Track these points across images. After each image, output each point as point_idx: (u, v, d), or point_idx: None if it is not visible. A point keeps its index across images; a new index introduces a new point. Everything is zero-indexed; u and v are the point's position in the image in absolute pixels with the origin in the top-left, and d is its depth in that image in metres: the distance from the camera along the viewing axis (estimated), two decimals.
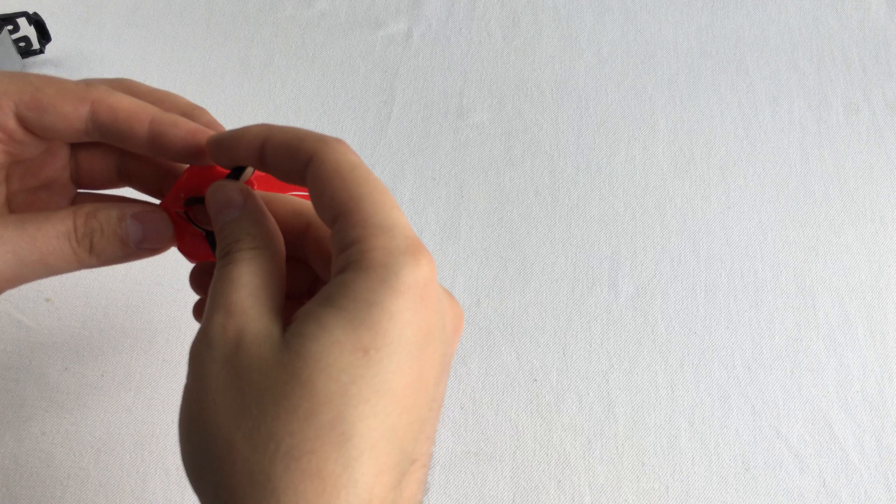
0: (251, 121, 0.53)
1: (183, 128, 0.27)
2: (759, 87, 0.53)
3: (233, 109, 0.50)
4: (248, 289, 0.22)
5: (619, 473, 0.39)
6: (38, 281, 0.39)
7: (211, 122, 0.29)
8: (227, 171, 0.27)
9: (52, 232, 0.25)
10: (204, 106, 0.46)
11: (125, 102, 0.26)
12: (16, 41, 0.48)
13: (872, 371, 0.42)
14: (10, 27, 0.48)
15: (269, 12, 0.55)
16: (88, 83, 0.26)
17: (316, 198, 0.23)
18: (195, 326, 0.43)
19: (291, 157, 0.23)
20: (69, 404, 0.38)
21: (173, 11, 0.54)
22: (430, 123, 0.50)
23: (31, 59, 0.50)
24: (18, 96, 0.25)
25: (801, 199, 0.48)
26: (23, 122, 0.25)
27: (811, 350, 0.43)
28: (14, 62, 0.49)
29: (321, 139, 0.23)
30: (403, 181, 0.47)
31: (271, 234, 0.24)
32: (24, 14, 0.48)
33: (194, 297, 0.42)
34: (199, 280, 0.29)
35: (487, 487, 0.37)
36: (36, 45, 0.50)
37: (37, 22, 0.48)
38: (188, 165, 0.27)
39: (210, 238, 0.27)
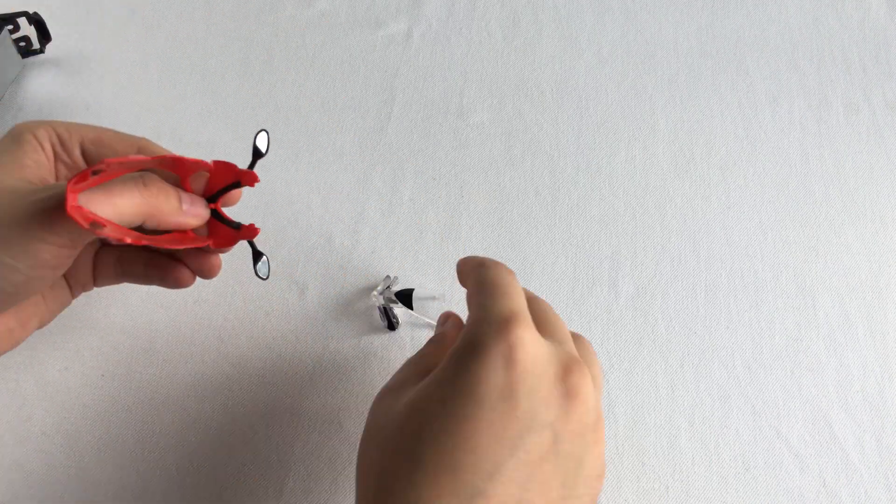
0: (251, 120, 0.53)
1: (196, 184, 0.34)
2: (759, 87, 0.53)
3: (233, 109, 0.50)
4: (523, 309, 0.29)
5: (619, 473, 0.39)
6: None
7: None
8: (239, 171, 0.33)
9: (121, 181, 0.29)
10: (204, 105, 0.48)
11: (161, 150, 0.34)
12: (16, 41, 0.48)
13: (872, 371, 0.42)
14: (11, 27, 0.48)
15: (269, 12, 0.55)
16: (138, 136, 0.34)
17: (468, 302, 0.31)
18: (195, 326, 0.43)
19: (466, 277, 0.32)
20: (69, 404, 0.38)
21: (173, 11, 0.54)
22: (430, 123, 0.50)
23: (32, 59, 0.50)
24: (85, 134, 0.33)
25: (802, 199, 0.48)
26: (85, 154, 0.33)
27: (811, 350, 0.43)
28: (14, 62, 0.49)
29: (481, 261, 0.32)
30: (403, 181, 0.47)
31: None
32: (25, 14, 0.48)
33: (194, 298, 0.42)
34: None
35: None
36: (36, 45, 0.50)
37: (37, 22, 0.48)
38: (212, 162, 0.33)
39: (227, 223, 0.33)
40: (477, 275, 0.30)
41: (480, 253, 0.45)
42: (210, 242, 0.33)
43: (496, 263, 0.31)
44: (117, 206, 0.28)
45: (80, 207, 0.26)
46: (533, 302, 0.32)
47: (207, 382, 0.40)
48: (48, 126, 0.32)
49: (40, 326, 0.34)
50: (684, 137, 0.51)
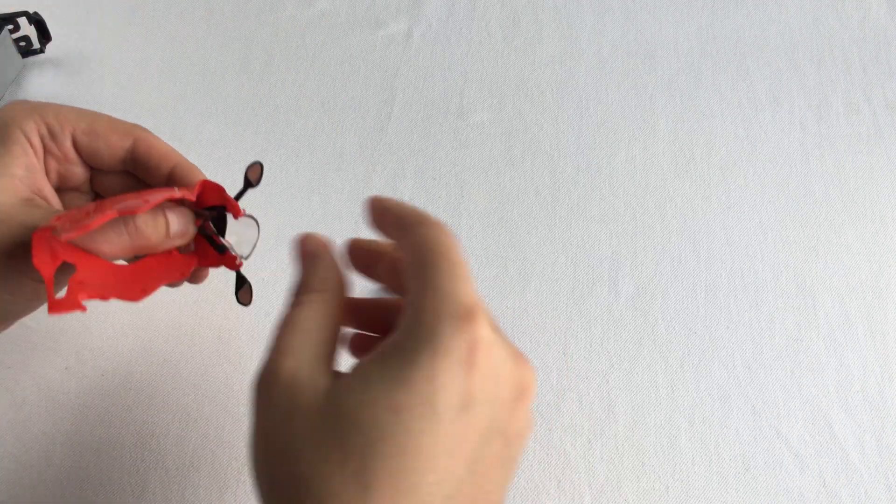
0: (251, 120, 0.53)
1: (196, 178, 0.32)
2: (759, 87, 0.53)
3: (232, 109, 0.50)
4: (305, 335, 0.24)
5: (620, 473, 0.39)
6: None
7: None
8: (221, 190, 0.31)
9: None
10: (204, 105, 0.48)
11: (161, 144, 0.32)
12: (16, 41, 0.48)
13: (873, 371, 0.42)
14: (11, 27, 0.48)
15: (270, 12, 0.55)
16: (136, 124, 0.32)
17: (405, 267, 0.25)
18: (195, 326, 0.43)
19: (398, 231, 0.26)
20: (69, 404, 0.38)
21: (173, 11, 0.54)
22: (430, 123, 0.50)
23: (32, 59, 0.50)
24: (77, 124, 0.30)
25: (802, 199, 0.48)
26: (77, 146, 0.31)
27: (811, 350, 0.43)
28: (14, 62, 0.49)
29: (420, 217, 0.25)
30: (404, 181, 0.47)
31: (336, 285, 0.27)
32: (25, 13, 0.48)
33: (194, 298, 0.42)
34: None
35: None
36: (36, 45, 0.50)
37: (37, 21, 0.48)
38: (202, 179, 0.31)
39: (213, 243, 0.31)
40: (420, 237, 0.24)
41: (481, 253, 0.45)
42: (192, 264, 0.32)
43: (440, 226, 0.25)
44: (105, 254, 0.27)
45: (53, 246, 0.25)
46: None
47: (207, 382, 0.40)
48: (37, 116, 0.30)
49: (27, 313, 0.32)
50: (684, 137, 0.51)
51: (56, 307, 0.25)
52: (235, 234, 0.32)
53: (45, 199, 0.30)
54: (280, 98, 0.50)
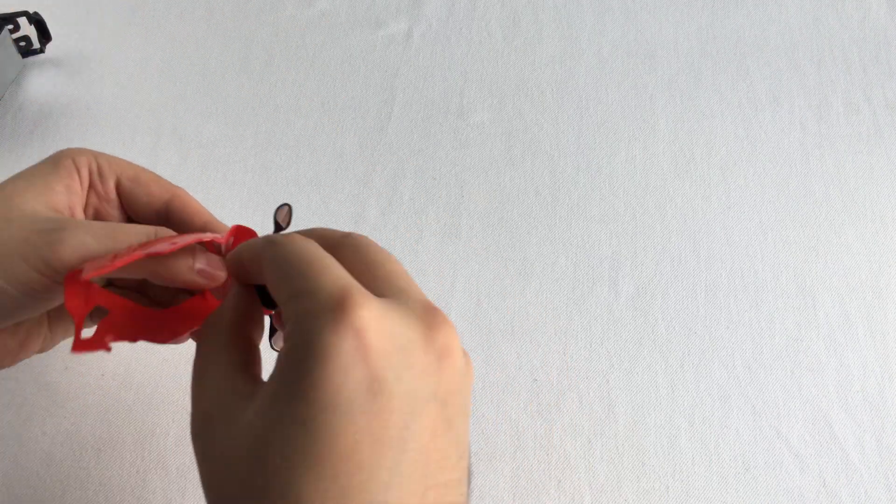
0: (251, 120, 0.53)
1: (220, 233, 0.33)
2: (759, 87, 0.53)
3: (233, 109, 0.50)
4: (211, 374, 0.25)
5: (620, 473, 0.39)
6: None
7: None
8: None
9: (133, 230, 0.29)
10: (204, 105, 0.48)
11: (196, 203, 0.34)
12: (16, 40, 0.48)
13: (873, 371, 0.42)
14: (11, 26, 0.48)
15: (270, 12, 0.55)
16: (174, 184, 0.34)
17: (270, 284, 0.25)
18: None
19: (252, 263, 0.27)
20: (69, 404, 0.38)
21: (173, 11, 0.54)
22: (430, 123, 0.50)
23: (32, 59, 0.50)
24: (124, 170, 0.33)
25: (802, 199, 0.48)
26: (119, 189, 0.33)
27: (811, 350, 0.43)
28: (14, 61, 0.49)
29: (269, 239, 0.26)
30: (404, 181, 0.47)
31: (235, 315, 0.27)
32: (25, 13, 0.48)
33: None
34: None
35: (487, 487, 0.37)
36: (36, 45, 0.50)
37: (37, 21, 0.48)
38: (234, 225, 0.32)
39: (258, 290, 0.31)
40: (271, 256, 0.25)
41: (481, 253, 0.45)
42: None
43: (288, 236, 0.25)
44: (121, 273, 0.28)
45: (87, 289, 0.26)
46: (345, 249, 0.26)
47: None
48: (90, 154, 0.32)
49: (41, 351, 0.34)
50: (684, 137, 0.51)
51: (81, 346, 0.25)
52: None
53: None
54: (280, 98, 0.50)
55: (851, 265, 0.46)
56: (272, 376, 0.22)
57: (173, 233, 0.30)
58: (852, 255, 0.46)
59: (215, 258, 0.30)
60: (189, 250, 0.29)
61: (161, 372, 0.40)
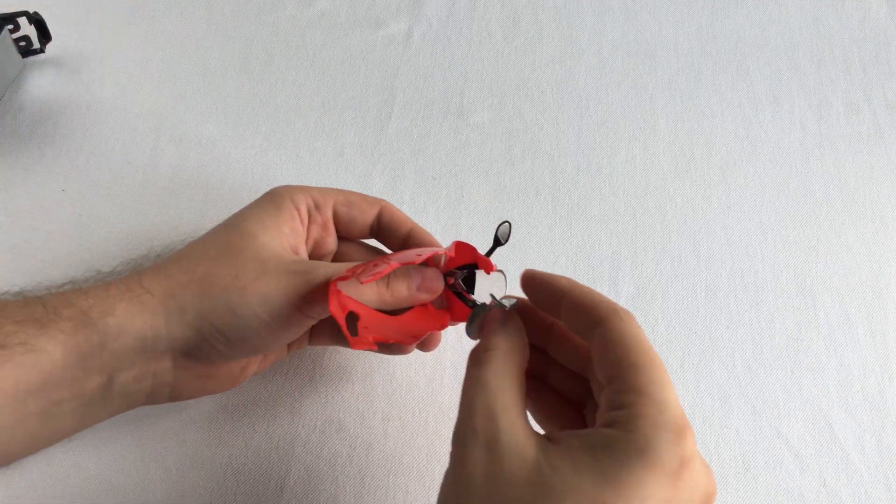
0: (251, 120, 0.53)
1: (426, 240, 0.37)
2: (759, 87, 0.53)
3: (233, 109, 0.50)
4: (497, 393, 0.26)
5: None
6: (35, 283, 0.39)
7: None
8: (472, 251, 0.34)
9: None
10: (204, 105, 0.48)
11: (399, 213, 0.37)
12: (16, 40, 0.48)
13: (873, 371, 0.42)
14: (11, 26, 0.48)
15: (270, 12, 0.55)
16: (377, 198, 0.37)
17: (598, 357, 0.27)
18: None
19: (585, 316, 0.27)
20: None
21: (174, 11, 0.54)
22: (430, 123, 0.50)
23: (32, 59, 0.50)
24: (336, 196, 0.36)
25: (802, 199, 0.48)
26: (336, 216, 0.36)
27: (811, 350, 0.43)
28: (14, 61, 0.49)
29: (613, 308, 0.27)
30: (404, 181, 0.47)
31: (519, 347, 0.29)
32: (25, 13, 0.48)
33: None
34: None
35: None
36: (36, 45, 0.50)
37: (37, 21, 0.48)
38: (455, 242, 0.34)
39: (463, 299, 0.34)
40: (616, 333, 0.26)
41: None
42: (446, 318, 0.36)
43: (632, 319, 0.27)
44: (367, 302, 0.32)
45: (340, 299, 0.30)
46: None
47: None
48: (305, 193, 0.35)
49: (255, 374, 0.36)
50: (685, 137, 0.51)
51: (357, 344, 0.30)
52: (486, 288, 0.34)
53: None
54: (280, 98, 0.50)
55: (851, 265, 0.46)
56: (579, 444, 0.24)
57: (416, 250, 0.34)
58: (852, 255, 0.46)
59: (432, 272, 0.34)
60: (403, 274, 0.33)
61: None
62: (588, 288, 0.29)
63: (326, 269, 0.31)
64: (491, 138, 0.50)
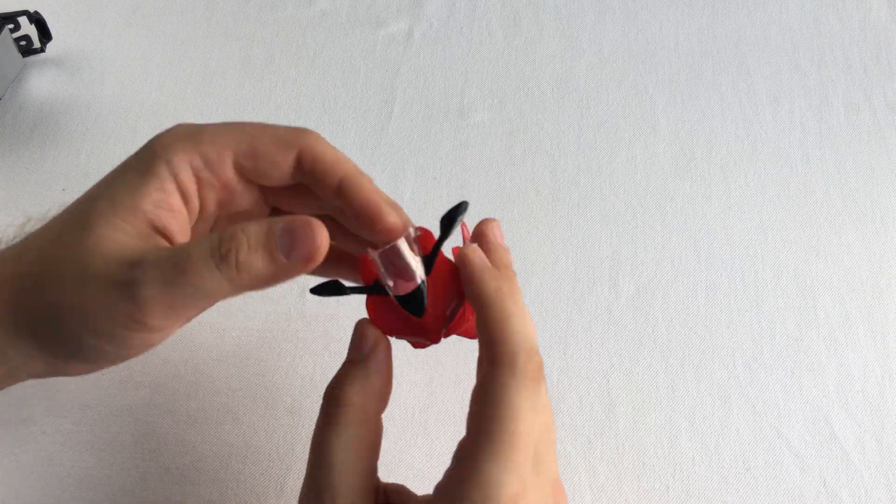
0: (251, 120, 0.53)
1: (366, 191, 0.30)
2: (759, 87, 0.53)
3: (233, 109, 0.50)
4: (345, 472, 0.25)
5: (620, 473, 0.39)
6: None
7: (392, 204, 0.31)
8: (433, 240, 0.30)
9: (196, 251, 0.24)
10: (204, 105, 0.47)
11: (329, 154, 0.29)
12: (17, 40, 0.48)
13: (873, 371, 0.42)
14: (11, 26, 0.48)
15: (270, 11, 0.55)
16: (301, 130, 0.28)
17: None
18: (195, 326, 0.43)
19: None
20: (69, 404, 0.38)
21: (174, 10, 0.54)
22: (430, 123, 0.50)
23: (32, 58, 0.50)
24: (236, 146, 0.27)
25: (802, 199, 0.48)
26: (239, 170, 0.27)
27: (812, 350, 0.43)
28: (15, 61, 0.49)
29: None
30: (404, 180, 0.47)
31: (377, 394, 0.27)
32: (25, 13, 0.48)
33: None
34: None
35: None
36: (37, 44, 0.50)
37: (38, 20, 0.48)
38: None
39: (399, 300, 0.29)
40: (510, 292, 0.29)
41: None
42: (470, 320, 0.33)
43: (512, 279, 0.29)
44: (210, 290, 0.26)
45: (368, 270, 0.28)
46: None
47: (207, 382, 0.40)
48: (192, 149, 0.26)
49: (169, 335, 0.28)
50: (685, 137, 0.51)
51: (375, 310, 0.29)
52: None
53: (168, 236, 0.26)
54: (280, 97, 0.50)
55: (851, 265, 0.46)
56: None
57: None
58: (852, 255, 0.46)
59: (301, 220, 0.26)
60: (255, 236, 0.25)
61: (161, 372, 0.40)
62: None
63: (149, 284, 0.23)
64: (491, 138, 0.50)
